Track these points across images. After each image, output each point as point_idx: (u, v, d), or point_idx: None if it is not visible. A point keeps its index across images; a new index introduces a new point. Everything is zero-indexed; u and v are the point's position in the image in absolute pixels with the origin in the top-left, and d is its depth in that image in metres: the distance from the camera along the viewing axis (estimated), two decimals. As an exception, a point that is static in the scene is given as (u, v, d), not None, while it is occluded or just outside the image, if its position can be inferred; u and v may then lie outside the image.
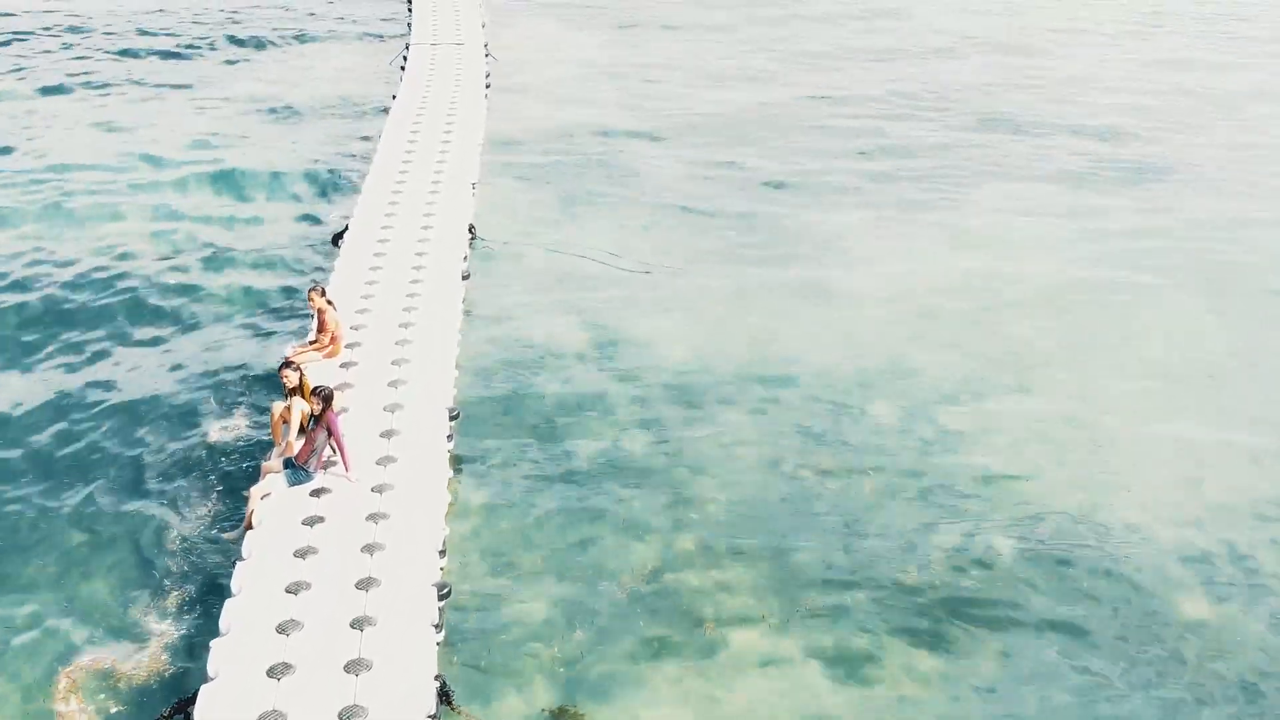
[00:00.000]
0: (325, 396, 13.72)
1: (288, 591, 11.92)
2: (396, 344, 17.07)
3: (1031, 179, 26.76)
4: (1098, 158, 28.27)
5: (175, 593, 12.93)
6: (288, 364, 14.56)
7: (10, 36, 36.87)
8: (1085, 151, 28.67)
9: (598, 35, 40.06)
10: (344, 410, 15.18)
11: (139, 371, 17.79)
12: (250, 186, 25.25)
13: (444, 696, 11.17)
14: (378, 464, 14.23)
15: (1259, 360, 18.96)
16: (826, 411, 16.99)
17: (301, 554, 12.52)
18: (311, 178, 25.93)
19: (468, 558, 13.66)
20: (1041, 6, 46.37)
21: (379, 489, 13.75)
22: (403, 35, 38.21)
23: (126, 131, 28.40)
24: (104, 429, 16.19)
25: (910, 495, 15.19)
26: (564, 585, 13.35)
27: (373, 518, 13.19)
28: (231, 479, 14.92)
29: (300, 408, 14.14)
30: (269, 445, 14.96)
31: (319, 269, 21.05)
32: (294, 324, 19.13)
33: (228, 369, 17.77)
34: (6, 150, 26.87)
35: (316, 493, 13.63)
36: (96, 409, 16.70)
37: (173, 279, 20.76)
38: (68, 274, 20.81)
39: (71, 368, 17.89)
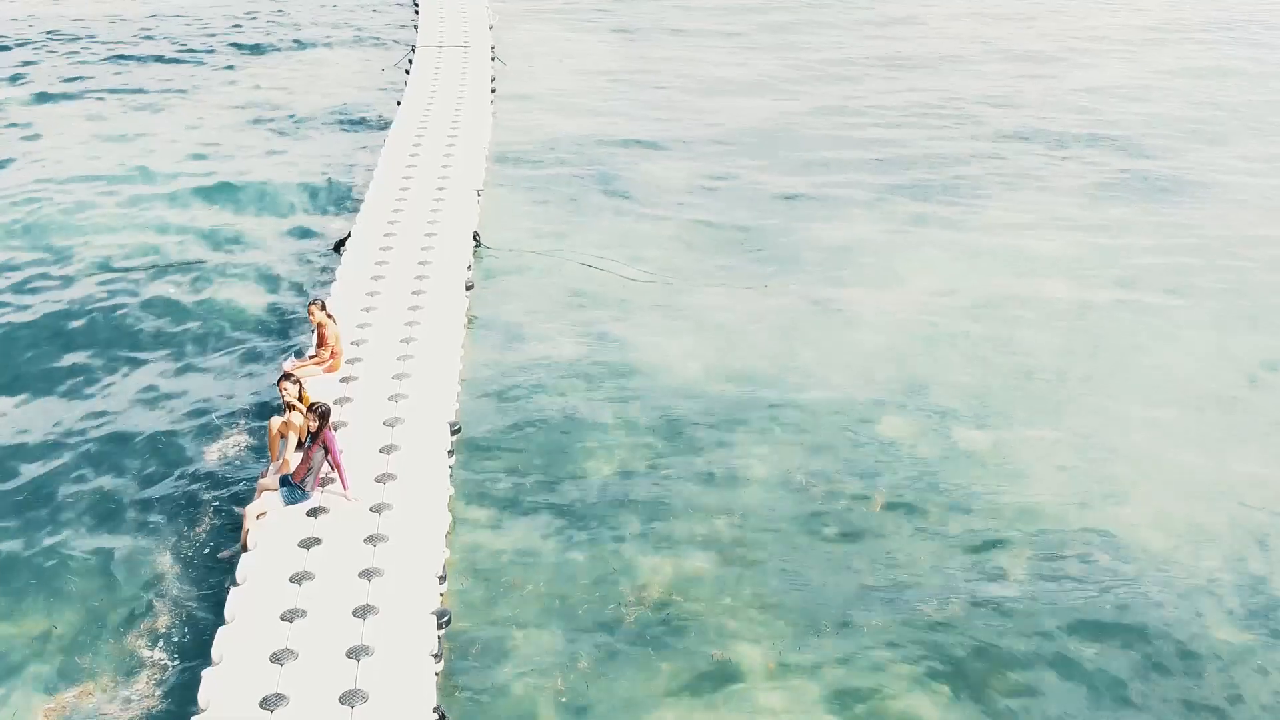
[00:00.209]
0: (322, 413, 13.37)
1: (283, 619, 11.55)
2: (398, 359, 16.69)
3: (1049, 192, 26.30)
4: (1116, 170, 27.79)
5: (167, 617, 12.53)
6: (286, 376, 14.20)
7: (10, 43, 36.47)
8: (1103, 164, 28.19)
9: (607, 39, 39.69)
10: (343, 425, 14.81)
11: (134, 385, 17.41)
12: (250, 195, 24.87)
13: (443, 729, 10.79)
14: (377, 481, 13.89)
15: (1280, 380, 18.54)
16: (838, 432, 16.58)
17: (297, 579, 12.15)
18: (314, 185, 25.57)
19: (468, 581, 13.26)
20: (1058, 10, 45.86)
21: (378, 508, 13.40)
22: (400, 40, 37.82)
23: (126, 141, 27.95)
24: (97, 443, 15.82)
25: (924, 519, 14.77)
26: (568, 611, 12.96)
27: (371, 540, 12.83)
28: (227, 497, 14.53)
29: (299, 422, 13.76)
30: (266, 462, 14.58)
31: (321, 279, 20.63)
32: (295, 338, 18.72)
33: (226, 384, 17.40)
34: (2, 164, 26.42)
35: (313, 512, 13.28)
36: (90, 422, 16.33)
37: (170, 291, 20.36)
38: (63, 286, 20.44)
39: (64, 380, 17.53)
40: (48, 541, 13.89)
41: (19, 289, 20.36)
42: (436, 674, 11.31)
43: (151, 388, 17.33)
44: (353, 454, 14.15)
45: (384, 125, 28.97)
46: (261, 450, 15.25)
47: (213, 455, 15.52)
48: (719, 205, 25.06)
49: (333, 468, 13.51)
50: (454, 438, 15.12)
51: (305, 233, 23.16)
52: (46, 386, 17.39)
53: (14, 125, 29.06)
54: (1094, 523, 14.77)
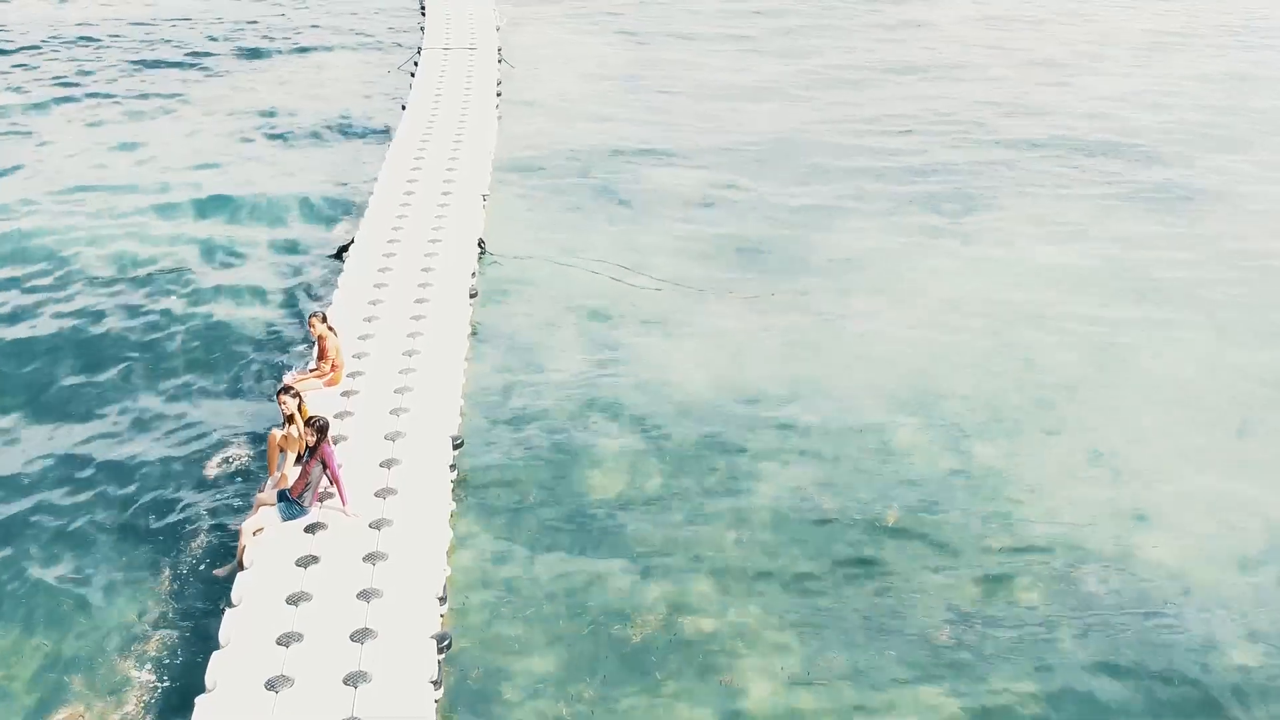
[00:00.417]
0: (320, 427, 13.08)
1: (278, 643, 11.22)
2: (400, 372, 16.36)
3: (1062, 202, 25.88)
4: (1131, 179, 27.33)
5: (159, 638, 12.20)
6: (285, 389, 13.87)
7: (11, 47, 36.21)
8: (1118, 173, 27.74)
9: (614, 42, 39.33)
10: (343, 439, 14.50)
11: (130, 396, 17.08)
12: (251, 202, 24.45)
13: (442, 760, 10.49)
14: (376, 496, 13.59)
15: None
16: (848, 448, 16.22)
17: (294, 600, 11.83)
18: (316, 190, 25.22)
19: (469, 601, 12.94)
20: (1068, 14, 45.41)
21: (377, 524, 13.09)
22: (404, 44, 37.52)
23: (126, 149, 27.55)
24: (91, 456, 15.51)
25: (936, 539, 14.42)
26: (572, 632, 12.63)
27: (370, 558, 12.51)
28: (224, 512, 14.21)
29: (298, 435, 13.45)
30: (265, 476, 14.27)
31: (322, 290, 20.26)
32: (295, 350, 18.38)
33: (224, 396, 17.08)
34: (3, 173, 26.10)
35: (311, 528, 12.99)
36: (84, 434, 16.03)
37: (168, 301, 19.99)
38: (59, 295, 20.08)
39: (60, 390, 17.22)
40: (40, 551, 13.61)
41: (14, 299, 20.01)
42: (436, 701, 10.98)
43: (148, 399, 17.01)
44: (353, 468, 13.85)
45: (388, 129, 28.64)
46: (260, 465, 14.93)
47: (211, 470, 15.21)
48: (727, 213, 24.70)
49: (331, 483, 13.22)
50: (456, 452, 14.80)
51: (307, 240, 22.79)
52: (43, 395, 17.09)
53: (13, 132, 28.68)
54: (1110, 542, 14.41)
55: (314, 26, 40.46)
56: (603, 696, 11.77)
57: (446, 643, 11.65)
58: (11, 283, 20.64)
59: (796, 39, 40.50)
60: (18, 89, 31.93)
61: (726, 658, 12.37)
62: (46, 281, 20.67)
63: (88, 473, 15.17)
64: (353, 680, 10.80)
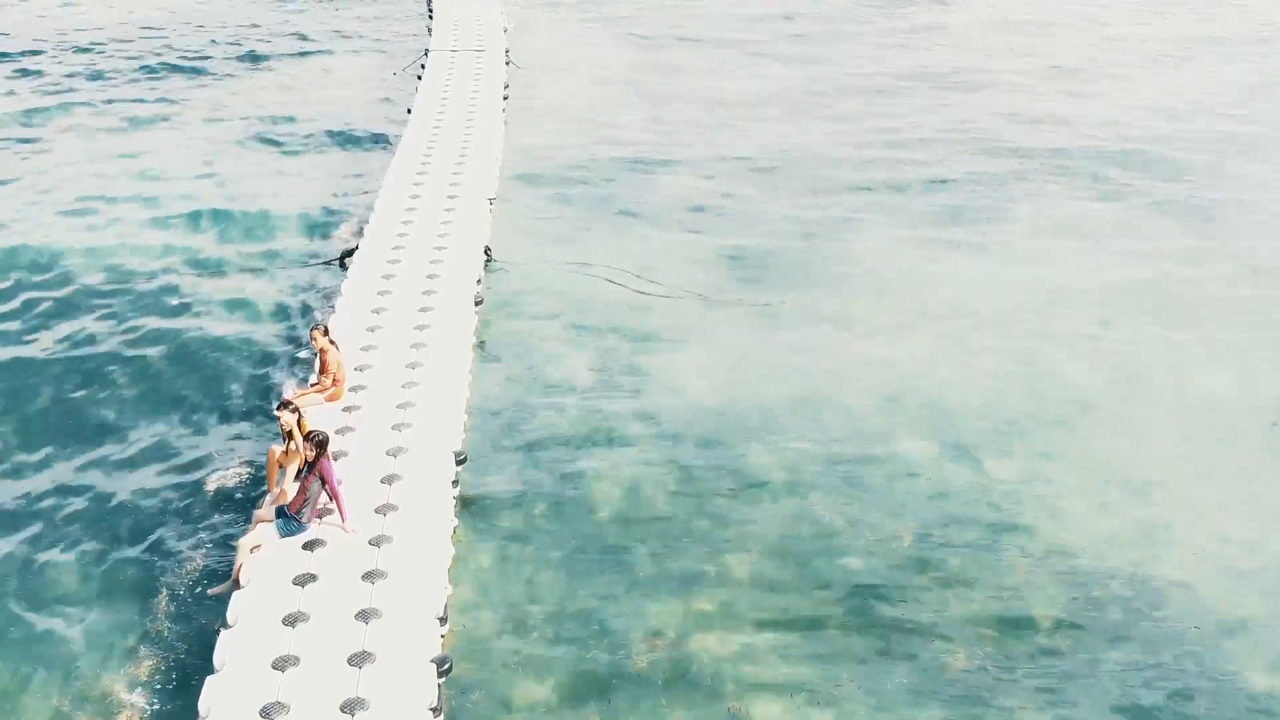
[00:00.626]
0: (319, 442, 12.78)
1: (274, 667, 10.89)
2: (403, 386, 16.02)
3: (1077, 211, 25.49)
4: (1148, 190, 26.90)
5: (152, 660, 11.89)
6: (285, 404, 13.56)
7: (11, 52, 35.93)
8: (1134, 183, 27.30)
9: (624, 45, 39.00)
10: (343, 455, 14.18)
11: (127, 410, 16.78)
12: (254, 209, 24.12)
13: (441, 791, 10.16)
14: (377, 512, 13.27)
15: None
16: (859, 463, 15.85)
17: (291, 621, 11.50)
18: (321, 198, 24.91)
19: (470, 621, 12.60)
20: (1083, 20, 44.96)
21: (377, 541, 12.78)
22: (411, 47, 37.20)
23: (127, 157, 27.26)
24: (86, 469, 15.22)
25: (950, 558, 14.05)
26: (576, 655, 12.29)
27: (369, 577, 12.19)
28: (221, 528, 13.89)
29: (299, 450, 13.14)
30: (263, 493, 13.95)
31: (325, 301, 19.89)
32: (296, 364, 18.04)
33: (223, 411, 16.76)
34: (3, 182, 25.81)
35: (310, 545, 12.69)
36: (78, 448, 15.74)
37: (167, 314, 19.65)
38: (57, 309, 19.77)
39: (58, 401, 16.94)
40: (32, 567, 13.33)
41: (11, 311, 19.71)
42: (435, 728, 10.66)
43: (146, 414, 16.68)
44: (353, 484, 13.54)
45: (394, 133, 28.32)
46: (259, 480, 14.61)
47: (209, 486, 14.89)
48: (736, 221, 24.35)
49: (330, 498, 12.91)
50: (459, 467, 14.47)
51: (310, 248, 22.45)
52: (39, 409, 16.81)
53: (13, 139, 28.36)
54: (1130, 565, 14.03)
55: (319, 30, 40.19)
56: (607, 721, 11.45)
57: (447, 666, 11.32)
58: (9, 293, 20.34)
59: (806, 45, 40.11)
60: (14, 94, 31.68)
61: (735, 684, 12.02)
62: (44, 293, 20.37)
63: (84, 487, 14.88)
64: (350, 707, 10.47)
